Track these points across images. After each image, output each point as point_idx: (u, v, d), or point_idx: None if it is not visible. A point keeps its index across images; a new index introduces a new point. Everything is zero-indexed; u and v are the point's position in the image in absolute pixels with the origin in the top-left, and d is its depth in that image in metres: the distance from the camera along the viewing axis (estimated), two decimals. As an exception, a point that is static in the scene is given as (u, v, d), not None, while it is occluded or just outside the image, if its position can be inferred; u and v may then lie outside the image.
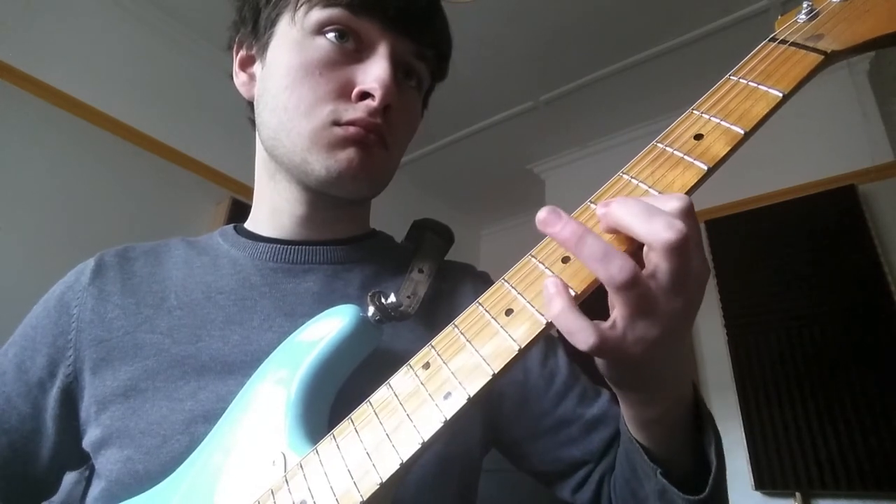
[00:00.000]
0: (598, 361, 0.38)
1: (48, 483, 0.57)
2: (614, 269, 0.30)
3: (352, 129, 0.51)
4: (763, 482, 1.96)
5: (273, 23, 0.55)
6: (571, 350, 0.60)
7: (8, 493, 0.55)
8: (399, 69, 0.55)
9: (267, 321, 0.53)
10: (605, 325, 0.32)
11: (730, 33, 2.31)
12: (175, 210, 2.26)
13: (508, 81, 2.63)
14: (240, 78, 0.61)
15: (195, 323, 0.53)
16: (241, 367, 0.50)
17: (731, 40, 2.32)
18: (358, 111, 0.51)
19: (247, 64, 0.60)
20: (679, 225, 0.31)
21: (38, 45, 1.98)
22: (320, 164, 0.52)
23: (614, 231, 0.34)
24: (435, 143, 3.05)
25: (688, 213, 0.32)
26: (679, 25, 2.33)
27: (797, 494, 1.92)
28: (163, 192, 2.23)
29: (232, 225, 0.63)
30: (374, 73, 0.51)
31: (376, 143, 0.53)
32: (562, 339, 0.34)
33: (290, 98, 0.52)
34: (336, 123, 0.51)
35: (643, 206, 0.32)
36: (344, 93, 0.52)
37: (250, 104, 0.60)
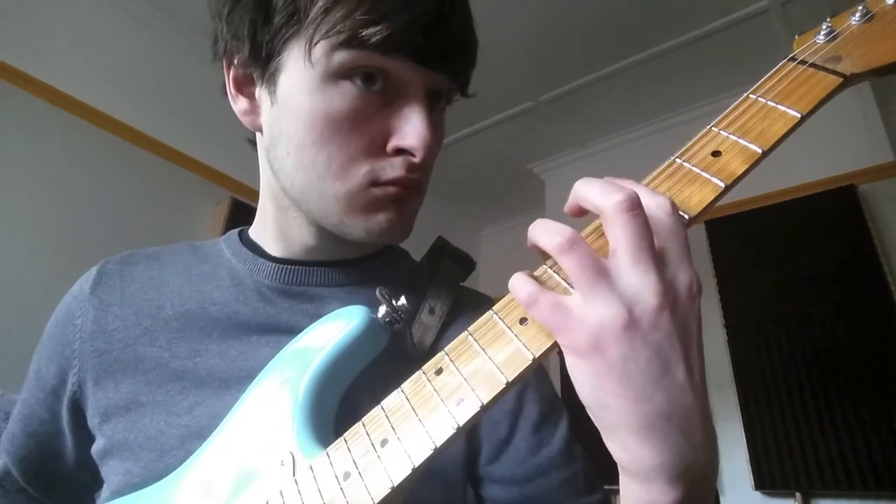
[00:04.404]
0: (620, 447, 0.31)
1: (83, 479, 0.58)
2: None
3: (391, 190, 0.47)
4: (763, 482, 1.97)
5: (279, 51, 0.47)
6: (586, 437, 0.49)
7: (46, 487, 0.60)
8: (432, 100, 0.50)
9: (263, 337, 0.52)
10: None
11: (730, 33, 2.31)
12: (175, 210, 2.25)
13: (508, 81, 2.63)
14: (239, 105, 0.53)
15: (192, 336, 0.53)
16: (238, 383, 0.49)
17: (730, 40, 2.32)
18: (396, 169, 0.47)
19: (243, 84, 0.52)
20: (630, 190, 0.30)
21: (38, 45, 1.98)
22: (359, 228, 0.49)
23: (581, 213, 0.34)
24: (435, 142, 3.04)
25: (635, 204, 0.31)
26: (679, 25, 2.33)
27: (797, 494, 1.92)
28: (163, 193, 2.22)
29: (237, 230, 0.61)
30: (413, 128, 0.46)
31: (414, 196, 0.51)
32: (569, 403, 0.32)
33: (319, 155, 0.47)
34: (374, 184, 0.47)
35: (604, 182, 0.32)
36: (378, 146, 0.47)
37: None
